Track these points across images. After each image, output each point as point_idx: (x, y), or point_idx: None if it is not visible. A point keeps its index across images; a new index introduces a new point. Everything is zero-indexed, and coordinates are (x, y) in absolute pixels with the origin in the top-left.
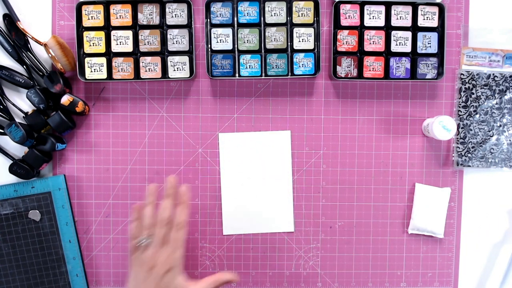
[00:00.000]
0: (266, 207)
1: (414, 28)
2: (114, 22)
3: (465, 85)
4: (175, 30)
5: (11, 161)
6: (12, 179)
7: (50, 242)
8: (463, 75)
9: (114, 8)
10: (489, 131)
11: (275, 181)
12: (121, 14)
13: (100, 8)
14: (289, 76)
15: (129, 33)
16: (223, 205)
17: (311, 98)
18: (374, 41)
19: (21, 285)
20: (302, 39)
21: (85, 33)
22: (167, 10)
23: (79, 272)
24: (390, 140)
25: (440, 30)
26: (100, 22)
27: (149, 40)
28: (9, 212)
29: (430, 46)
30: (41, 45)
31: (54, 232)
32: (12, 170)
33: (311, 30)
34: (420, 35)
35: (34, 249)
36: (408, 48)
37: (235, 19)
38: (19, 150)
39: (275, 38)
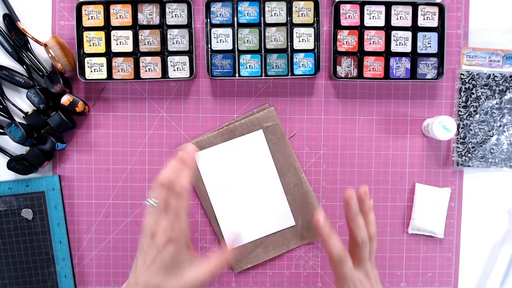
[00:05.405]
0: (262, 210)
1: (414, 28)
2: (114, 22)
3: (465, 85)
4: (175, 30)
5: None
6: (10, 177)
7: (41, 241)
8: (463, 75)
9: (114, 8)
10: (489, 131)
11: (262, 182)
12: (121, 14)
13: (100, 8)
14: (289, 76)
15: (129, 33)
16: (220, 225)
17: (311, 98)
18: (374, 41)
19: (9, 282)
20: (302, 39)
21: (85, 33)
22: (167, 10)
23: (68, 273)
24: (390, 140)
25: (440, 30)
26: (100, 22)
27: (149, 40)
28: (2, 209)
29: (430, 46)
30: (41, 45)
31: (45, 232)
32: (10, 166)
33: (311, 30)
34: (420, 35)
35: (25, 248)
36: (408, 48)
37: (235, 19)
38: (19, 150)
39: (275, 38)
